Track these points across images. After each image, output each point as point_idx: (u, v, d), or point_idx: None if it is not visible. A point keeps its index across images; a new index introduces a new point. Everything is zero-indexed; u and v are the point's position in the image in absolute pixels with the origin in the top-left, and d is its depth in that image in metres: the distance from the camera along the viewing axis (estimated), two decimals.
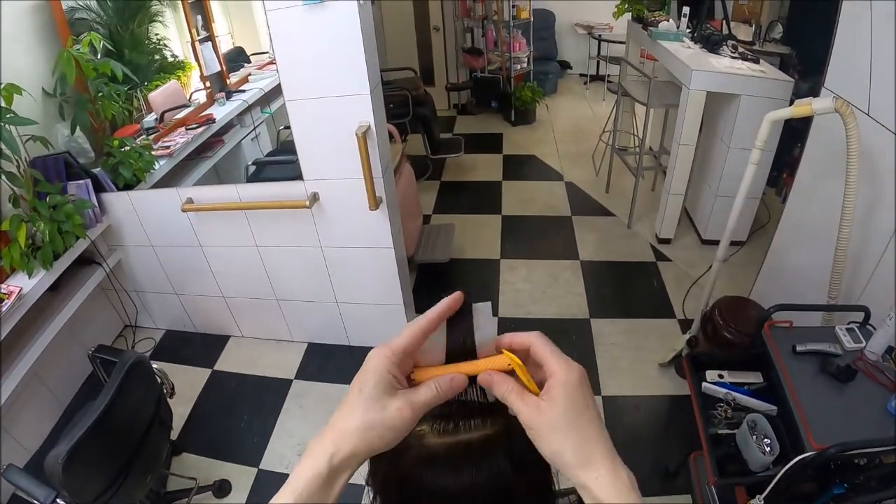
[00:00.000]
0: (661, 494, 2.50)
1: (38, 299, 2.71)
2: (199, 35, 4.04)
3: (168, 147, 3.45)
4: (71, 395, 3.26)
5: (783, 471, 1.61)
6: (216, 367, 3.45)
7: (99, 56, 2.93)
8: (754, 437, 1.81)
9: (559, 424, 0.55)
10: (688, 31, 4.22)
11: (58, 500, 1.81)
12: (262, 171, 3.82)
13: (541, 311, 3.67)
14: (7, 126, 2.42)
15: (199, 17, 4.08)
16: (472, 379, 0.60)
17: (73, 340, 3.20)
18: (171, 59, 3.84)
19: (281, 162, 3.77)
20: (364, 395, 0.56)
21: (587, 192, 5.16)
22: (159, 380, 2.30)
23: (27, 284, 2.65)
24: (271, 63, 4.43)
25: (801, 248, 2.78)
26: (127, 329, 3.74)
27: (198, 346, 3.61)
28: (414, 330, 0.59)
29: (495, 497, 0.64)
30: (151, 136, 3.47)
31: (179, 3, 3.85)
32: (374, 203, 2.67)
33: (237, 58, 4.62)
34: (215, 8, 4.24)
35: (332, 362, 3.39)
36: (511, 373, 0.59)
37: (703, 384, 2.08)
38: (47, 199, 2.72)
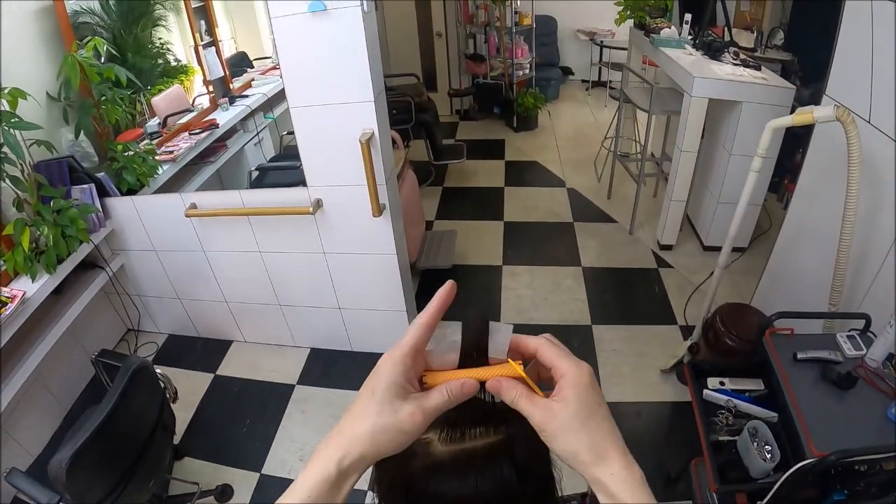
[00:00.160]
0: (663, 501, 2.50)
1: (41, 303, 2.72)
2: (202, 40, 4.06)
3: (171, 152, 3.46)
4: (73, 398, 3.26)
5: (784, 477, 1.61)
6: (219, 372, 3.45)
7: (103, 60, 2.94)
8: (755, 443, 1.81)
9: (572, 425, 0.56)
10: (689, 37, 4.23)
11: None
12: (265, 177, 3.82)
13: (543, 318, 3.67)
14: (11, 130, 2.42)
15: (203, 22, 4.10)
16: (482, 390, 0.61)
17: (76, 344, 3.21)
18: (174, 64, 3.86)
19: (284, 167, 3.78)
20: (376, 399, 0.56)
21: (589, 198, 5.17)
22: (162, 385, 2.31)
23: (30, 288, 2.66)
24: (274, 68, 4.46)
25: (802, 254, 2.78)
26: (130, 333, 3.75)
27: (200, 351, 3.61)
28: (418, 326, 0.60)
29: None
30: (155, 141, 3.48)
31: (183, 7, 3.86)
32: (378, 210, 2.68)
33: (240, 63, 4.64)
34: (219, 12, 4.26)
35: (334, 368, 3.40)
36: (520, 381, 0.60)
37: (705, 391, 2.09)
38: (51, 203, 2.73)
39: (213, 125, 3.81)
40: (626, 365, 3.26)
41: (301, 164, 2.73)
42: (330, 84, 2.44)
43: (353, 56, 2.34)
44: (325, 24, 2.28)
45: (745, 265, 3.88)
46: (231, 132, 3.99)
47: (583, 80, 8.36)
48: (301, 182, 2.79)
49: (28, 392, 2.80)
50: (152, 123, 3.57)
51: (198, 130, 3.70)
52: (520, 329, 0.61)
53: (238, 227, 3.01)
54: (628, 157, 5.06)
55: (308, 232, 2.94)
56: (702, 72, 3.60)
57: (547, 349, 0.60)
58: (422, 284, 4.00)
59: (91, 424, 1.79)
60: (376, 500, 0.71)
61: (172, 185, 3.38)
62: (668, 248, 4.28)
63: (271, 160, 4.24)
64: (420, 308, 0.64)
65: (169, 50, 3.79)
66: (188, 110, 3.86)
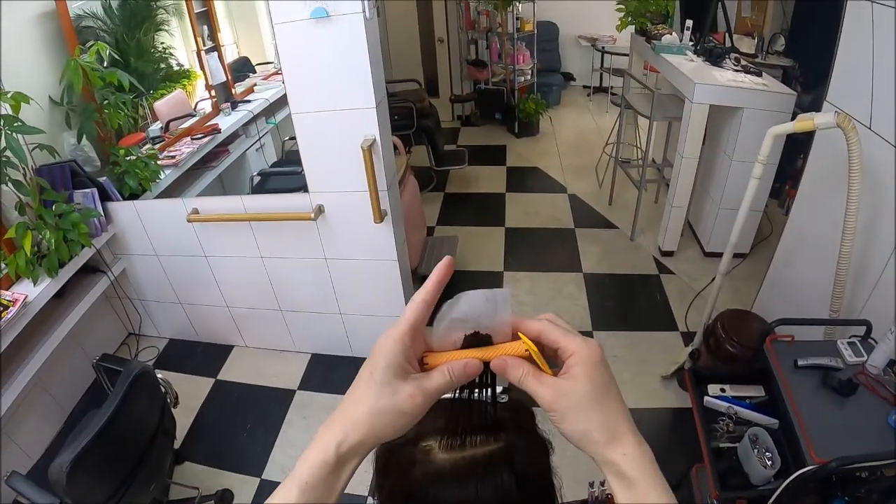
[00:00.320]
0: None
1: (42, 307, 2.72)
2: (204, 45, 4.06)
3: (174, 157, 3.47)
4: (74, 402, 3.26)
5: (784, 484, 1.61)
6: (219, 377, 3.45)
7: (105, 65, 2.94)
8: (756, 450, 1.81)
9: (584, 404, 0.55)
10: (691, 43, 4.24)
11: None
12: (267, 182, 3.83)
13: None
14: (14, 134, 2.43)
15: (205, 27, 4.10)
16: (486, 371, 0.59)
17: (77, 348, 3.22)
18: (176, 69, 3.86)
19: (285, 173, 3.79)
20: (375, 380, 0.55)
21: (590, 204, 5.17)
22: (163, 389, 2.31)
23: (32, 292, 2.67)
24: (276, 73, 4.47)
25: (803, 260, 2.78)
26: (131, 337, 3.75)
27: (201, 356, 3.62)
28: (416, 304, 0.58)
29: None
30: (157, 146, 3.48)
31: (185, 12, 3.87)
32: (379, 216, 2.68)
33: (242, 68, 4.65)
34: (221, 17, 4.27)
35: (335, 373, 3.40)
36: (526, 360, 0.58)
37: (706, 398, 2.09)
38: (53, 207, 2.73)
39: (215, 130, 3.82)
40: (628, 371, 3.26)
41: (303, 170, 2.74)
42: (332, 90, 2.45)
43: (355, 62, 2.35)
44: (328, 30, 2.29)
45: (747, 271, 3.88)
46: (233, 137, 3.99)
47: (584, 86, 8.37)
48: (303, 188, 2.80)
49: (29, 396, 2.81)
50: (154, 128, 3.58)
51: (200, 135, 3.71)
52: None
53: (240, 232, 3.02)
54: (629, 163, 5.06)
55: (309, 238, 2.94)
56: (703, 78, 3.60)
57: (551, 330, 0.58)
58: None
59: (92, 428, 1.79)
60: None
61: (174, 190, 3.39)
62: (669, 254, 4.28)
63: (273, 165, 4.24)
64: None
65: (171, 54, 3.79)
66: (190, 115, 3.87)
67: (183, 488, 2.69)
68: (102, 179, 3.01)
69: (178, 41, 3.85)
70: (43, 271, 2.71)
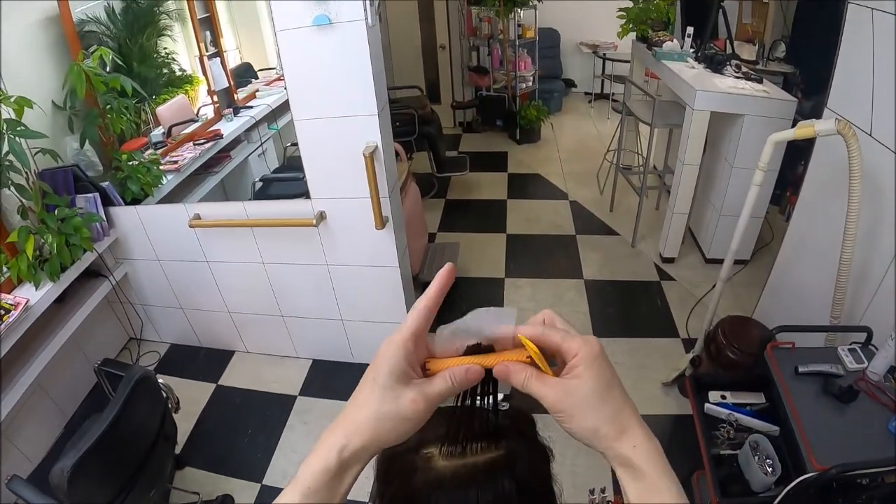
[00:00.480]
0: None
1: (44, 311, 2.72)
2: (207, 50, 4.08)
3: (176, 162, 3.48)
4: (74, 406, 3.26)
5: (785, 491, 1.61)
6: (220, 382, 3.45)
7: (108, 70, 2.95)
8: (756, 457, 1.81)
9: (591, 401, 0.55)
10: (692, 50, 4.25)
11: None
12: (269, 188, 3.84)
13: None
14: (17, 138, 2.44)
15: (208, 33, 4.13)
16: (488, 378, 0.59)
17: (78, 352, 3.22)
18: (179, 74, 3.88)
19: (287, 179, 3.80)
20: (378, 385, 0.55)
21: (591, 210, 5.17)
22: (165, 394, 2.31)
23: (34, 296, 2.67)
24: (279, 79, 4.49)
25: (804, 267, 2.78)
26: (132, 342, 3.75)
27: (202, 361, 3.62)
28: (418, 310, 0.58)
29: None
30: (159, 151, 3.49)
31: (188, 17, 3.89)
32: (381, 222, 2.69)
33: (245, 73, 4.67)
34: (224, 23, 4.29)
35: (336, 379, 3.40)
36: (528, 364, 0.58)
37: (706, 405, 2.09)
38: (55, 211, 2.74)
39: (218, 136, 3.83)
40: (628, 378, 3.25)
41: (304, 176, 2.75)
42: (334, 97, 2.46)
43: (358, 70, 2.36)
44: (330, 37, 2.30)
45: (748, 278, 3.88)
46: (235, 143, 4.00)
47: (585, 93, 8.40)
48: (304, 194, 2.81)
49: (30, 400, 2.81)
50: (157, 133, 3.59)
51: (202, 141, 3.72)
52: None
53: (241, 238, 3.02)
54: (631, 170, 5.07)
55: (311, 244, 2.95)
56: (704, 85, 3.61)
57: (551, 334, 0.58)
58: None
59: (93, 433, 1.79)
60: None
61: (176, 196, 3.40)
62: (670, 260, 4.28)
63: (275, 171, 4.26)
64: None
65: (174, 60, 3.81)
66: (192, 120, 3.89)
67: (183, 493, 2.68)
68: (105, 184, 3.01)
69: (180, 46, 3.87)
70: (45, 275, 2.71)
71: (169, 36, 3.71)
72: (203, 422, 3.19)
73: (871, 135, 2.21)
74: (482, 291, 4.13)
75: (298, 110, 2.55)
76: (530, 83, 6.83)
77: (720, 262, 2.85)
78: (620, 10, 5.08)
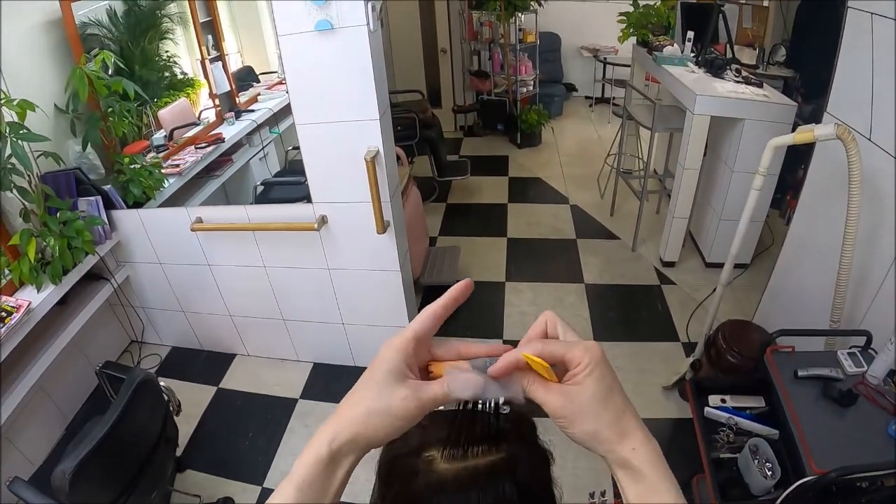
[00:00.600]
0: None
1: (45, 314, 2.73)
2: (209, 53, 4.09)
3: (178, 165, 3.49)
4: (76, 409, 3.27)
5: (785, 494, 1.61)
6: (221, 385, 3.45)
7: (110, 73, 2.96)
8: (756, 461, 1.82)
9: (592, 407, 0.56)
10: (692, 55, 4.26)
11: None
12: (270, 191, 3.85)
13: None
14: (19, 141, 2.45)
15: (210, 36, 4.14)
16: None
17: (80, 355, 3.22)
18: (180, 77, 3.89)
19: (289, 183, 3.81)
20: (373, 381, 0.56)
21: (592, 214, 5.18)
22: (166, 397, 2.31)
23: (36, 298, 2.68)
24: (280, 83, 4.50)
25: (804, 271, 2.79)
26: (133, 345, 3.76)
27: (203, 364, 3.62)
28: (427, 315, 0.60)
29: None
30: (161, 154, 3.50)
31: (190, 21, 3.90)
32: (382, 227, 2.69)
33: (246, 77, 4.68)
34: (226, 27, 4.30)
35: (337, 383, 3.40)
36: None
37: (706, 408, 2.09)
38: (58, 214, 2.74)
39: (219, 139, 3.84)
40: (629, 381, 3.25)
41: (306, 180, 2.75)
42: (336, 101, 2.47)
43: (359, 74, 2.37)
44: (332, 42, 2.31)
45: (748, 282, 3.89)
46: (237, 146, 4.01)
47: (586, 97, 8.39)
48: (306, 198, 2.81)
49: (31, 402, 2.82)
50: (158, 136, 3.60)
51: (204, 144, 3.73)
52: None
53: (243, 241, 3.03)
54: (631, 174, 5.07)
55: (312, 248, 2.95)
56: (704, 89, 3.62)
57: (553, 350, 0.58)
58: (425, 300, 4.00)
59: (95, 435, 1.80)
60: None
61: (178, 199, 3.41)
62: (670, 264, 4.28)
63: (276, 175, 4.27)
64: None
65: (176, 63, 3.82)
66: (194, 124, 3.89)
67: (185, 496, 2.69)
68: (107, 187, 3.02)
69: (182, 50, 3.88)
70: (47, 278, 2.72)
71: (171, 39, 3.72)
72: (204, 424, 3.20)
73: (870, 139, 2.21)
74: (483, 296, 4.12)
75: (300, 114, 2.55)
76: (531, 87, 6.84)
77: (720, 266, 2.86)
78: (621, 14, 5.10)
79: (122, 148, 3.18)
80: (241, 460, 2.96)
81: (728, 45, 4.26)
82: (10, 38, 2.62)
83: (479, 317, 3.88)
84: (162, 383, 2.29)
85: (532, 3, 6.32)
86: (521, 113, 6.63)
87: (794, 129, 2.36)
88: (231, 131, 4.00)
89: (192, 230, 2.95)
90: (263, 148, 4.25)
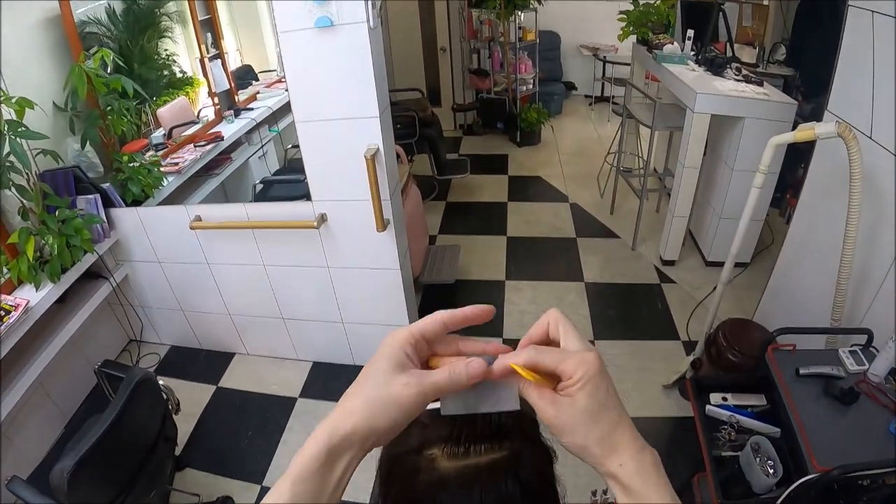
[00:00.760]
0: None
1: (44, 312, 2.73)
2: (208, 52, 4.09)
3: (177, 163, 3.49)
4: (74, 407, 3.26)
5: (787, 492, 1.61)
6: (221, 384, 3.45)
7: (109, 71, 2.96)
8: (758, 459, 1.81)
9: (583, 420, 0.55)
10: (692, 53, 4.25)
11: None
12: (270, 190, 3.84)
13: None
14: (18, 139, 2.44)
15: (209, 34, 4.13)
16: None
17: (78, 353, 3.21)
18: (179, 75, 3.88)
19: (288, 181, 3.80)
20: (373, 369, 0.56)
21: (592, 213, 5.18)
22: (165, 396, 2.31)
23: (34, 297, 2.68)
24: (280, 81, 4.50)
25: (804, 269, 2.78)
26: (132, 343, 3.75)
27: (203, 363, 3.61)
28: (436, 320, 0.59)
29: None
30: (160, 152, 3.50)
31: (189, 19, 3.90)
32: (382, 225, 2.69)
33: (246, 75, 4.68)
34: (225, 25, 4.29)
35: (336, 381, 3.39)
36: None
37: (707, 407, 2.09)
38: (56, 212, 2.74)
39: (218, 137, 3.83)
40: (629, 380, 3.25)
41: (305, 178, 2.75)
42: (335, 99, 2.46)
43: (359, 72, 2.36)
44: (332, 39, 2.30)
45: (748, 280, 3.88)
46: (236, 145, 4.01)
47: (586, 96, 8.40)
48: (305, 196, 2.81)
49: (30, 400, 2.81)
50: (157, 134, 3.59)
51: (203, 142, 3.73)
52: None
53: (242, 240, 3.02)
54: (631, 173, 5.07)
55: (312, 246, 2.95)
56: (704, 88, 3.61)
57: (545, 360, 0.57)
58: (425, 299, 4.01)
59: (94, 434, 1.79)
60: None
61: (177, 197, 3.40)
62: (670, 263, 4.28)
63: (276, 173, 4.26)
64: None
65: (175, 61, 3.82)
66: (193, 122, 3.89)
67: (184, 495, 2.68)
68: (105, 185, 3.01)
69: (181, 48, 3.88)
70: (45, 277, 2.72)
71: (170, 37, 3.71)
72: (203, 423, 3.19)
73: (871, 137, 2.21)
74: (483, 294, 4.12)
75: (300, 112, 2.55)
76: (531, 86, 6.84)
77: (720, 264, 2.85)
78: (621, 12, 5.10)
79: (121, 146, 3.18)
80: (241, 459, 2.96)
81: (728, 44, 4.26)
82: (9, 36, 2.61)
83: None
84: (161, 382, 2.28)
85: (532, 1, 6.32)
86: (521, 111, 6.63)
87: (794, 128, 2.36)
88: (230, 129, 4.00)
89: (192, 229, 2.94)
90: (263, 146, 4.25)
